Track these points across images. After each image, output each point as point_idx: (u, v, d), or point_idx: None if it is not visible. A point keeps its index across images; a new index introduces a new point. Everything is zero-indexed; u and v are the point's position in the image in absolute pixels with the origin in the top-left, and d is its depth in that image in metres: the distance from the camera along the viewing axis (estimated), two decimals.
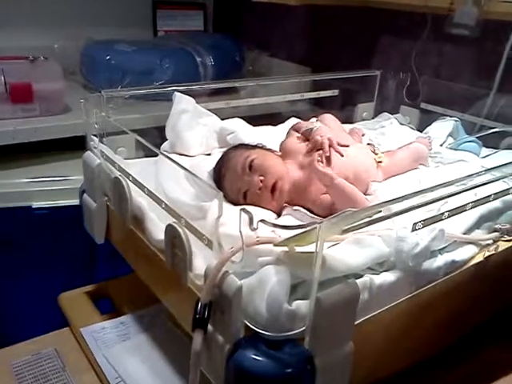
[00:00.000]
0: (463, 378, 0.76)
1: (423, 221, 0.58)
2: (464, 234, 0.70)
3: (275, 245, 0.54)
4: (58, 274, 1.19)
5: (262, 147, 0.82)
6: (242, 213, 0.49)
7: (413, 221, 0.59)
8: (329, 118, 0.97)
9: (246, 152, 0.77)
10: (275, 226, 0.49)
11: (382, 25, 1.42)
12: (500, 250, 0.72)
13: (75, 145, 1.28)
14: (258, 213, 0.69)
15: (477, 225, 0.72)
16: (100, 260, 1.27)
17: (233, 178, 0.75)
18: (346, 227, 0.49)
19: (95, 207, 0.82)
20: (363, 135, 0.97)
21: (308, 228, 0.48)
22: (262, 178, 0.74)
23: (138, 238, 0.73)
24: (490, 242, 0.72)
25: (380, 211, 0.52)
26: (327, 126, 0.95)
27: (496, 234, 0.74)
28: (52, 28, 1.66)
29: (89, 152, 0.84)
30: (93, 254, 1.24)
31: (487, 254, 0.70)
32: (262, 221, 0.48)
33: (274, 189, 0.73)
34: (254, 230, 0.49)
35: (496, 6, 1.09)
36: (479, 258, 0.70)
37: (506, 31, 1.07)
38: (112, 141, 0.88)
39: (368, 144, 0.92)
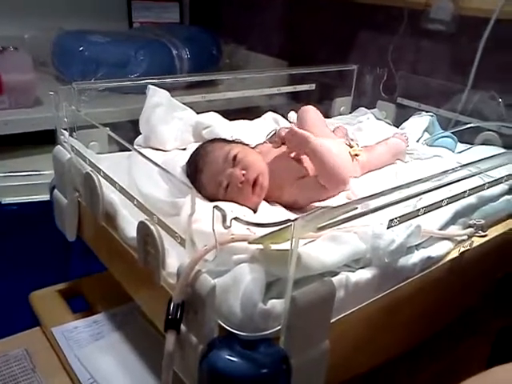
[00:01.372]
0: (438, 374, 0.77)
1: (399, 217, 0.58)
2: (440, 229, 0.70)
3: (250, 242, 0.53)
4: (29, 272, 1.16)
5: (240, 142, 0.80)
6: (215, 210, 0.48)
7: (389, 217, 0.58)
8: (310, 110, 0.96)
9: (227, 146, 0.76)
10: (249, 223, 0.48)
11: (359, 19, 1.42)
12: (474, 245, 0.72)
13: (46, 138, 1.25)
14: (234, 209, 0.67)
15: (452, 221, 0.72)
16: (74, 257, 1.24)
17: (212, 172, 0.73)
18: (322, 225, 0.48)
19: (66, 203, 0.80)
20: (346, 134, 0.96)
21: (282, 226, 0.47)
22: (244, 171, 0.72)
23: (110, 235, 0.71)
24: (465, 237, 0.73)
25: (356, 208, 0.51)
26: (309, 118, 0.94)
27: (471, 229, 0.74)
28: (22, 18, 1.61)
29: (59, 146, 0.81)
30: (66, 251, 1.21)
31: (462, 249, 0.70)
32: (236, 218, 0.47)
33: (255, 183, 0.72)
34: (227, 227, 0.47)
35: (471, 2, 1.10)
36: (454, 254, 0.70)
37: (480, 27, 1.07)
38: (84, 135, 0.86)
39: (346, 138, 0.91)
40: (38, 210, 1.18)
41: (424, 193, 0.58)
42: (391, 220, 0.57)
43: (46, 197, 1.17)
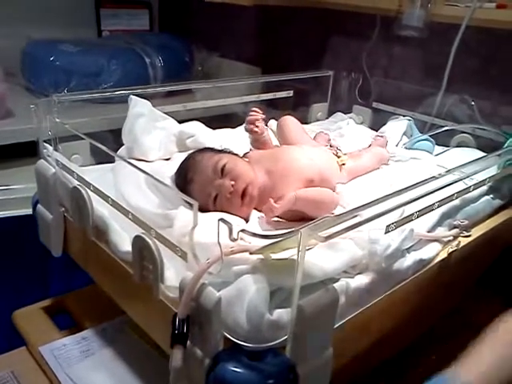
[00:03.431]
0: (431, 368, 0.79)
1: (395, 222, 0.59)
2: (428, 232, 0.72)
3: (251, 253, 0.53)
4: (6, 290, 1.12)
5: (230, 152, 0.80)
6: (221, 223, 0.48)
7: (381, 222, 0.60)
8: (288, 120, 0.97)
9: (216, 156, 0.75)
10: (256, 235, 0.48)
11: (332, 26, 1.44)
12: (461, 245, 0.74)
13: (17, 152, 1.21)
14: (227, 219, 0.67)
15: (439, 223, 0.74)
16: (52, 273, 1.20)
17: (202, 182, 0.73)
18: (328, 233, 0.49)
19: (51, 219, 0.78)
20: (329, 140, 0.98)
21: (289, 235, 0.47)
22: (233, 182, 0.72)
23: (101, 250, 0.69)
24: (451, 238, 0.75)
25: (356, 216, 0.52)
26: (288, 127, 0.95)
27: (456, 230, 0.76)
28: None
29: (42, 160, 0.79)
30: (45, 268, 1.18)
31: (450, 250, 0.72)
32: (243, 231, 0.47)
33: (244, 194, 0.72)
34: (234, 240, 0.47)
35: (441, 9, 1.13)
36: (443, 255, 0.72)
37: (451, 33, 1.11)
38: (66, 147, 0.84)
39: (330, 146, 0.92)
40: (11, 225, 1.14)
41: (418, 198, 0.59)
42: (388, 225, 0.58)
43: (18, 212, 1.14)
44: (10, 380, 0.75)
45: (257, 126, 0.88)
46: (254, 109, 0.90)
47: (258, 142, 0.90)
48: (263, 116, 0.91)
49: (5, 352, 0.82)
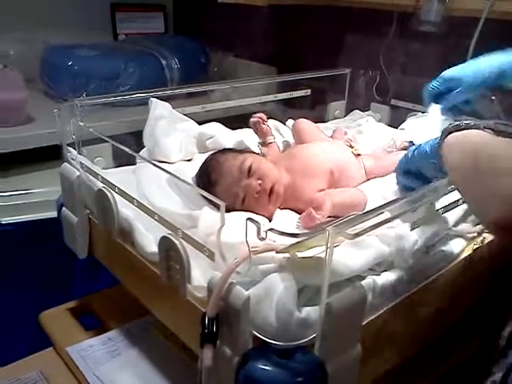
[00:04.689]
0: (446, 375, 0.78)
1: (421, 219, 0.59)
2: (453, 228, 0.71)
3: (278, 252, 0.54)
4: (32, 293, 1.14)
5: (251, 151, 0.80)
6: (249, 222, 0.48)
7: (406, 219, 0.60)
8: (302, 122, 0.97)
9: (240, 156, 0.76)
10: (284, 234, 0.48)
11: (348, 23, 1.43)
12: (486, 241, 0.74)
13: (35, 156, 1.23)
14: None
15: (463, 218, 0.74)
16: (75, 275, 1.22)
17: (228, 183, 0.74)
18: (356, 231, 0.49)
19: (77, 222, 0.79)
20: (345, 133, 0.98)
21: (317, 233, 0.47)
22: (260, 181, 0.73)
23: (127, 251, 0.70)
24: (476, 234, 0.74)
25: (383, 212, 0.52)
26: (304, 129, 0.95)
27: (480, 226, 0.75)
28: (6, 33, 1.58)
29: (66, 164, 0.80)
30: (69, 270, 1.19)
31: (475, 246, 0.72)
32: (271, 229, 0.47)
33: (271, 192, 0.73)
34: (262, 239, 0.48)
35: (459, 3, 1.12)
36: (468, 252, 0.71)
37: (470, 26, 1.10)
38: (89, 150, 0.85)
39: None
40: (35, 228, 1.16)
41: (443, 195, 0.59)
42: (414, 222, 0.58)
43: (41, 215, 1.16)
44: (39, 380, 0.76)
45: (263, 123, 0.89)
46: (257, 115, 0.91)
47: (264, 145, 0.91)
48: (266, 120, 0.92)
49: (32, 352, 0.84)
